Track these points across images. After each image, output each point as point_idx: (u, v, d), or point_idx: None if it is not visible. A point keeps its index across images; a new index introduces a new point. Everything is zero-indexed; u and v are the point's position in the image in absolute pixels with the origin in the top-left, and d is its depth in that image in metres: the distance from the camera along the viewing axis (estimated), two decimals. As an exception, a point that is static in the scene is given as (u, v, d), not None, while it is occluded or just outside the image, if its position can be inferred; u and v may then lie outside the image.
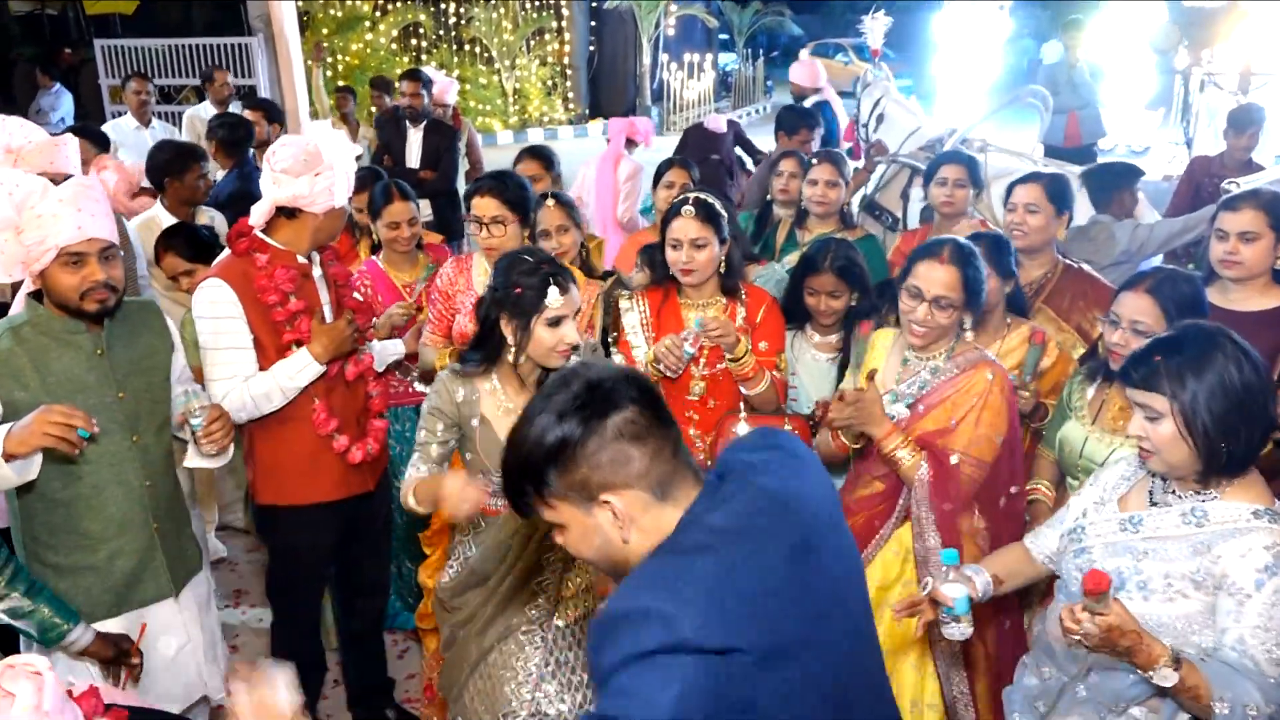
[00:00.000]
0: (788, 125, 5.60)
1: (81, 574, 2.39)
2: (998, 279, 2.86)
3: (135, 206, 4.35)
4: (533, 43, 17.10)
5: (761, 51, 22.34)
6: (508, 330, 2.32)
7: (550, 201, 3.32)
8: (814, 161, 4.02)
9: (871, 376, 2.60)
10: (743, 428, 2.91)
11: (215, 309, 2.65)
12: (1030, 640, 2.18)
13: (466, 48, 16.61)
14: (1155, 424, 1.83)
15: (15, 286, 2.80)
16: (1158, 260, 4.11)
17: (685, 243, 2.84)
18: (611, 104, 17.75)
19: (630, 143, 5.73)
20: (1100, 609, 1.66)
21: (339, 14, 15.39)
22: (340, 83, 12.57)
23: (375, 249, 3.72)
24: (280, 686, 1.61)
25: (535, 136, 16.02)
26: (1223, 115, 6.39)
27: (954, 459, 2.48)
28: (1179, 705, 1.77)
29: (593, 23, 17.67)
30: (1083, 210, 4.39)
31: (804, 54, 7.83)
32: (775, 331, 2.99)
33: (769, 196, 4.44)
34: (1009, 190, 3.44)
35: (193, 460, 2.52)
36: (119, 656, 2.33)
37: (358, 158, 7.20)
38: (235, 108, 7.09)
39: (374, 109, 8.23)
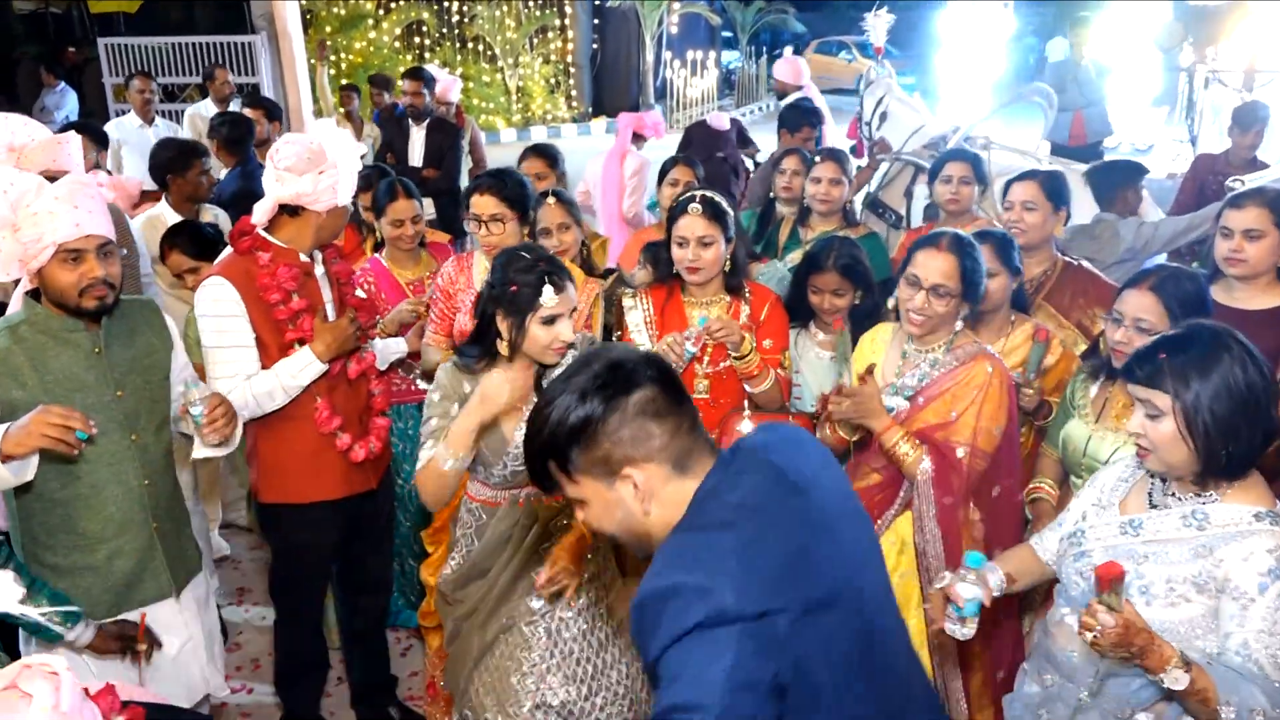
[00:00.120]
0: (791, 123, 5.59)
1: (80, 574, 2.38)
2: (1006, 276, 2.86)
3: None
4: (536, 40, 17.10)
5: (765, 49, 22.30)
6: (503, 327, 2.31)
7: (551, 199, 3.32)
8: (817, 159, 4.01)
9: (870, 371, 2.60)
10: (746, 426, 2.91)
11: (218, 307, 2.65)
12: (1029, 646, 2.17)
13: (469, 46, 16.61)
14: (1156, 422, 1.82)
15: (13, 285, 2.80)
16: (1161, 258, 4.09)
17: (692, 240, 2.84)
18: (614, 102, 17.73)
19: (638, 138, 5.72)
20: (1114, 603, 1.65)
21: (342, 12, 15.39)
22: (344, 81, 12.58)
23: (378, 247, 3.72)
24: None
25: (538, 134, 16.02)
26: (1227, 113, 6.36)
27: (960, 452, 2.49)
28: (1185, 709, 1.75)
29: (596, 20, 17.65)
30: (1087, 208, 4.38)
31: (788, 52, 7.88)
32: (779, 330, 2.99)
33: (772, 194, 4.43)
34: (1005, 188, 3.44)
35: (200, 451, 2.50)
36: (125, 647, 2.33)
37: (361, 156, 7.22)
38: (236, 106, 7.09)
39: (375, 107, 8.23)
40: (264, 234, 2.72)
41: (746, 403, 2.94)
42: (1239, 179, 4.62)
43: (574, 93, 17.62)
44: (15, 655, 2.39)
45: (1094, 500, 2.05)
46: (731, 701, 1.25)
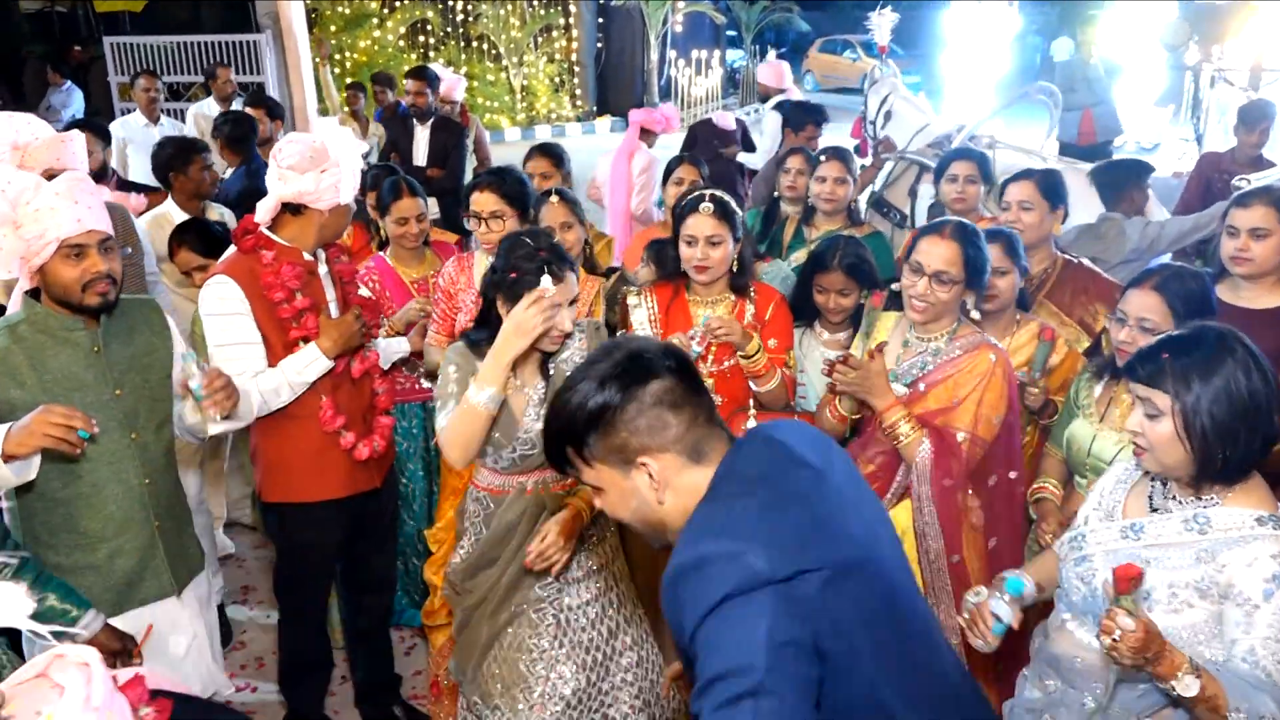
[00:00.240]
0: (794, 121, 5.58)
1: (82, 573, 2.38)
2: (1015, 274, 2.87)
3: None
4: (540, 39, 17.10)
5: (769, 48, 22.26)
6: (503, 312, 2.33)
7: (554, 198, 3.33)
8: (822, 158, 4.01)
9: (880, 349, 2.60)
10: (751, 424, 2.91)
11: (222, 305, 2.65)
12: (1031, 651, 2.15)
13: (474, 44, 16.61)
14: (1154, 421, 1.81)
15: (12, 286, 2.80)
16: (1166, 258, 4.08)
17: (701, 240, 2.84)
18: (619, 101, 17.72)
19: (647, 134, 5.70)
20: (1133, 606, 1.63)
21: (347, 11, 15.40)
22: (349, 80, 12.59)
23: (383, 246, 3.72)
24: None
25: (543, 133, 16.03)
26: (1233, 111, 6.34)
27: (960, 436, 2.50)
28: (1192, 717, 1.73)
29: (600, 19, 17.64)
30: (1093, 208, 4.37)
31: (771, 56, 7.92)
32: (784, 329, 2.99)
33: (776, 193, 4.43)
34: (1001, 189, 3.44)
35: (214, 427, 2.47)
36: (121, 653, 2.33)
37: (365, 154, 7.23)
38: (239, 105, 7.10)
39: (378, 105, 8.23)
40: (268, 232, 2.72)
41: (752, 402, 2.93)
42: (1245, 178, 4.61)
43: (578, 92, 17.61)
44: (19, 651, 2.39)
45: (1095, 504, 2.03)
46: (775, 660, 1.26)
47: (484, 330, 2.42)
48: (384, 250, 3.67)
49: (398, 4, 15.89)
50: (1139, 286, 2.46)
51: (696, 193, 2.93)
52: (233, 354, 2.65)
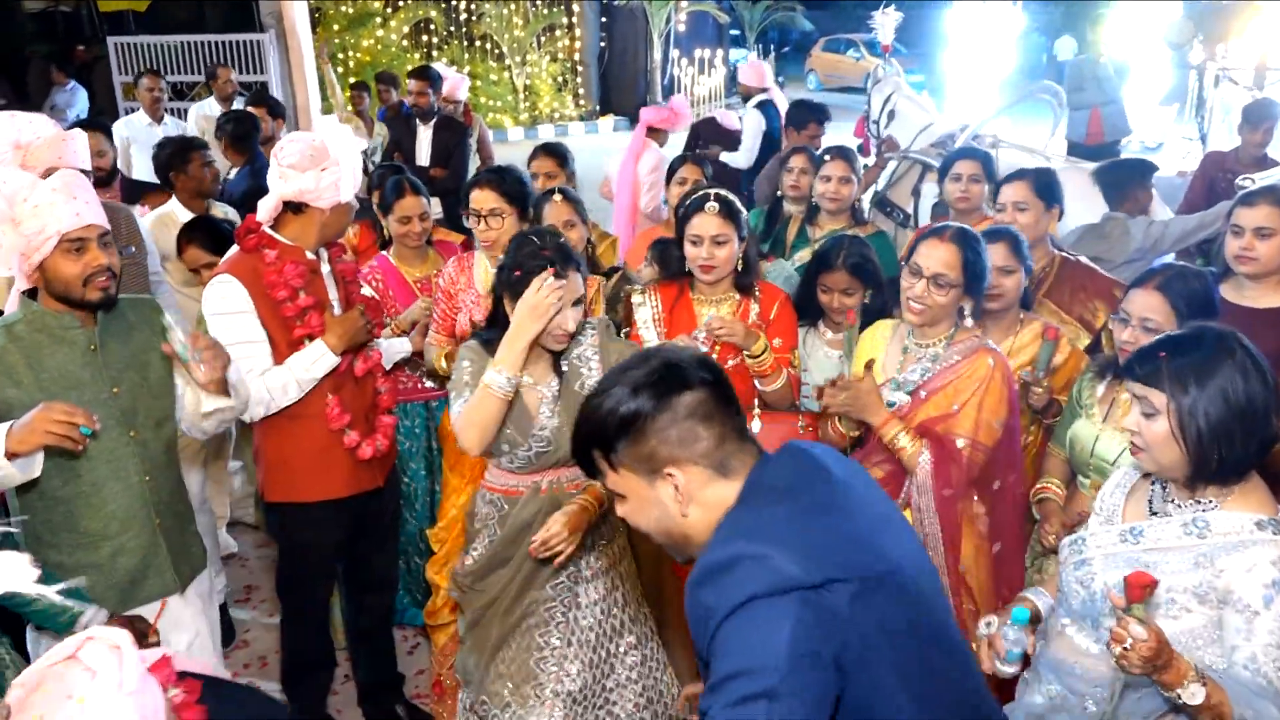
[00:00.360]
0: (797, 120, 5.58)
1: (85, 572, 2.36)
2: (1021, 274, 2.86)
3: None
4: (543, 39, 17.09)
5: (773, 47, 22.29)
6: (509, 310, 2.36)
7: (557, 196, 3.33)
8: (826, 158, 4.00)
9: (869, 366, 2.60)
10: (756, 425, 2.91)
11: (226, 304, 2.66)
12: (1032, 655, 2.14)
13: (477, 44, 16.61)
14: (1150, 420, 1.80)
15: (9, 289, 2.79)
16: (1170, 257, 4.08)
17: (706, 239, 2.84)
18: (622, 100, 17.72)
19: (656, 132, 5.69)
20: (1144, 615, 1.61)
21: (350, 10, 15.41)
22: (352, 79, 12.59)
23: (385, 245, 3.72)
24: None
25: (546, 133, 16.02)
26: (1237, 110, 6.32)
27: (960, 443, 2.49)
28: None
29: (603, 19, 17.64)
30: (1096, 207, 4.36)
31: (751, 56, 7.95)
32: (789, 328, 2.99)
33: (779, 193, 4.42)
34: (996, 190, 3.43)
35: (208, 403, 2.45)
36: (138, 636, 2.33)
37: (370, 153, 7.24)
38: (240, 104, 7.11)
39: (381, 104, 8.23)
40: (270, 231, 2.73)
41: (757, 401, 2.93)
42: (1249, 177, 4.60)
43: (581, 91, 17.61)
44: (23, 652, 2.40)
45: (1097, 509, 2.02)
46: (795, 666, 1.24)
47: (495, 329, 2.44)
48: (387, 249, 3.67)
49: (401, 3, 15.89)
50: (1142, 286, 2.46)
51: (701, 192, 2.92)
52: (238, 353, 2.64)
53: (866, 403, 2.52)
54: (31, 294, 2.34)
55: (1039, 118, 6.77)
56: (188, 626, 2.59)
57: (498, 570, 2.54)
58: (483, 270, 3.20)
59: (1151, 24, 11.79)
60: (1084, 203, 4.45)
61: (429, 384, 3.53)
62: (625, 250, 4.63)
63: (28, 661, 2.35)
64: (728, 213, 2.84)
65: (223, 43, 10.61)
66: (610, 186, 5.72)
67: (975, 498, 2.57)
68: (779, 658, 1.24)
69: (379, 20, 15.64)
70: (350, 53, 15.20)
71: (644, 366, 1.49)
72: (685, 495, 1.46)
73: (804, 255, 3.80)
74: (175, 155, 4.22)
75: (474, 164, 7.01)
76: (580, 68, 17.52)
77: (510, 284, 2.37)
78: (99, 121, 5.18)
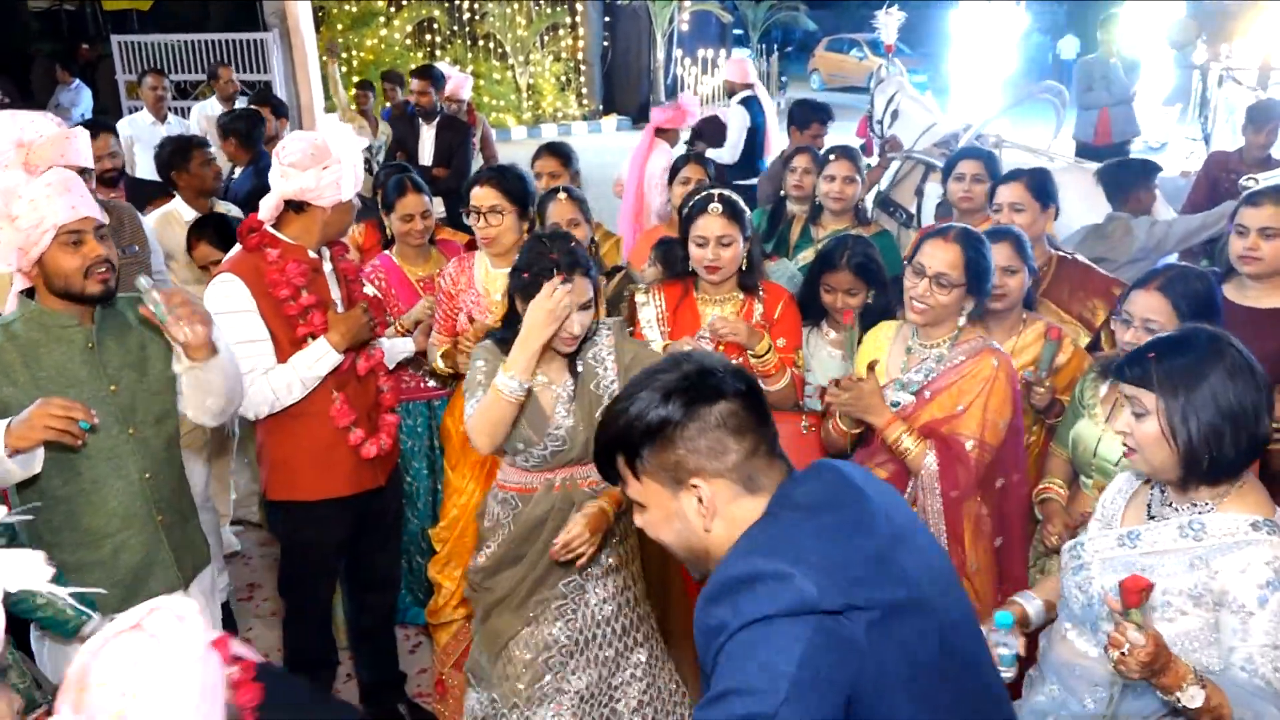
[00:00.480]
0: (799, 120, 5.57)
1: (88, 570, 2.37)
2: (1025, 273, 2.86)
3: None
4: (546, 38, 17.10)
5: (776, 47, 22.26)
6: (521, 311, 2.38)
7: (562, 195, 3.34)
8: (831, 157, 4.00)
9: (871, 367, 2.60)
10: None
11: (228, 303, 2.66)
12: (1039, 655, 2.14)
13: (480, 43, 16.62)
14: (1141, 420, 1.80)
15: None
16: (1173, 258, 4.07)
17: (711, 240, 2.84)
18: (625, 100, 17.73)
19: (666, 132, 5.69)
20: (1141, 620, 1.60)
21: (353, 10, 15.43)
22: (356, 78, 12.60)
23: (388, 244, 3.72)
24: None
25: (549, 132, 16.03)
26: (1241, 111, 6.31)
27: (969, 445, 2.49)
28: None
29: (606, 18, 17.63)
30: (1099, 208, 4.36)
31: (737, 53, 7.96)
32: (793, 328, 2.99)
33: (782, 192, 4.42)
34: (991, 192, 3.43)
35: (179, 364, 2.37)
36: None
37: (375, 153, 7.24)
38: (242, 104, 7.12)
39: (387, 103, 8.24)
40: (272, 230, 2.73)
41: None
42: (1253, 177, 4.60)
43: (584, 90, 17.61)
44: (28, 652, 2.40)
45: (1098, 515, 2.02)
46: (797, 695, 1.20)
47: (509, 330, 2.46)
48: (390, 249, 3.67)
49: (404, 2, 15.91)
50: (1144, 288, 2.46)
51: (705, 193, 2.92)
52: (241, 352, 2.64)
53: (869, 403, 2.52)
54: (29, 294, 2.34)
55: (1042, 118, 6.76)
56: (192, 624, 2.58)
57: (510, 568, 2.55)
58: (483, 270, 3.20)
59: (1155, 24, 11.76)
60: (1087, 203, 4.45)
61: (431, 383, 3.53)
62: (629, 250, 4.63)
63: (32, 660, 2.36)
64: (732, 213, 2.84)
65: (226, 42, 10.64)
66: (624, 186, 5.72)
67: (978, 498, 2.57)
68: (784, 681, 1.20)
69: (382, 19, 15.66)
70: (354, 52, 15.21)
71: (675, 371, 1.43)
72: (710, 509, 1.40)
73: (807, 255, 3.80)
74: (176, 154, 4.23)
75: (478, 163, 7.01)
76: (583, 67, 17.52)
77: (520, 286, 2.40)
78: (108, 122, 5.17)
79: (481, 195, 3.12)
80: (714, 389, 1.41)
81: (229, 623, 3.69)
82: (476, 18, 16.43)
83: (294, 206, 2.71)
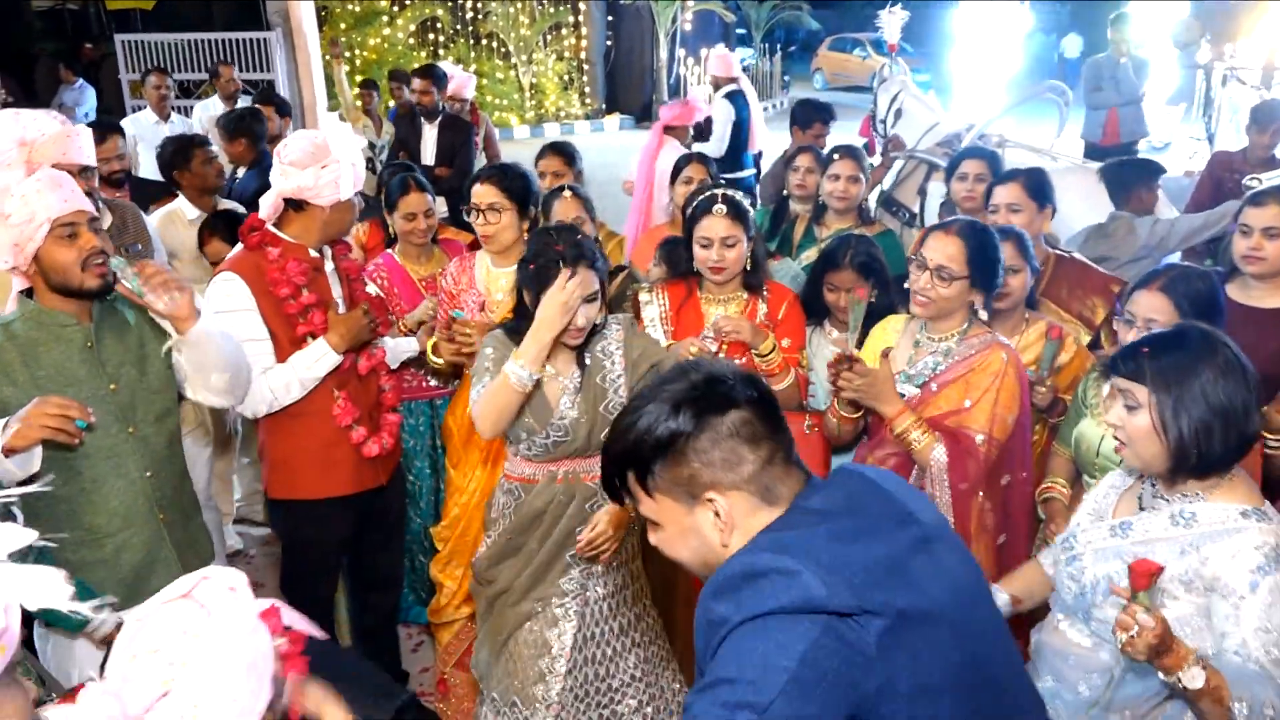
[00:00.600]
0: (802, 119, 5.57)
1: (90, 569, 2.37)
2: (1027, 273, 2.86)
3: None
4: (549, 37, 17.11)
5: (779, 46, 22.25)
6: (529, 303, 2.40)
7: (567, 193, 3.36)
8: (835, 156, 4.00)
9: (886, 354, 2.60)
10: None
11: (229, 302, 2.66)
12: (1031, 649, 2.15)
13: (484, 42, 16.64)
14: (1132, 414, 1.82)
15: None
16: (1176, 257, 4.07)
17: (716, 241, 2.84)
18: (628, 99, 17.74)
19: (674, 130, 5.68)
20: (1149, 602, 1.62)
21: (356, 9, 15.44)
22: (359, 77, 12.61)
23: (391, 243, 3.73)
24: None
25: (551, 131, 16.05)
26: (1245, 110, 6.30)
27: (979, 438, 2.49)
28: (1193, 710, 1.73)
29: (610, 18, 17.65)
30: (1102, 207, 4.36)
31: (720, 47, 7.99)
32: (797, 328, 3.00)
33: (785, 192, 4.42)
34: (988, 193, 3.43)
35: (172, 342, 2.39)
36: None
37: (379, 152, 7.24)
38: (244, 103, 7.12)
39: (393, 102, 8.24)
40: (273, 229, 2.73)
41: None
42: (1256, 177, 4.58)
43: (587, 90, 17.62)
44: (30, 647, 2.40)
45: (1090, 509, 2.04)
46: (793, 693, 1.16)
47: (520, 321, 2.48)
48: (393, 248, 3.67)
49: (407, 2, 15.92)
50: (1146, 287, 2.46)
51: (708, 194, 2.92)
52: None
53: (881, 390, 2.52)
54: (29, 294, 2.35)
55: (1046, 117, 6.74)
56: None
57: (509, 559, 2.56)
58: (484, 270, 3.20)
59: (1159, 23, 11.74)
60: (1089, 203, 4.44)
61: (433, 382, 3.53)
62: (631, 249, 4.63)
63: (35, 655, 2.36)
64: (736, 214, 2.84)
65: (229, 41, 10.64)
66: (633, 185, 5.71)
67: (981, 493, 2.57)
68: (782, 675, 1.16)
69: (385, 19, 15.67)
70: (356, 51, 15.22)
71: (683, 381, 1.37)
72: (727, 523, 1.35)
73: (810, 254, 3.80)
74: (177, 154, 4.24)
75: (480, 163, 7.01)
76: (586, 66, 17.53)
77: (528, 277, 2.41)
78: (116, 124, 5.18)
79: (481, 193, 3.12)
80: (725, 397, 1.35)
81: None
82: (479, 17, 16.45)
83: (293, 205, 2.71)
